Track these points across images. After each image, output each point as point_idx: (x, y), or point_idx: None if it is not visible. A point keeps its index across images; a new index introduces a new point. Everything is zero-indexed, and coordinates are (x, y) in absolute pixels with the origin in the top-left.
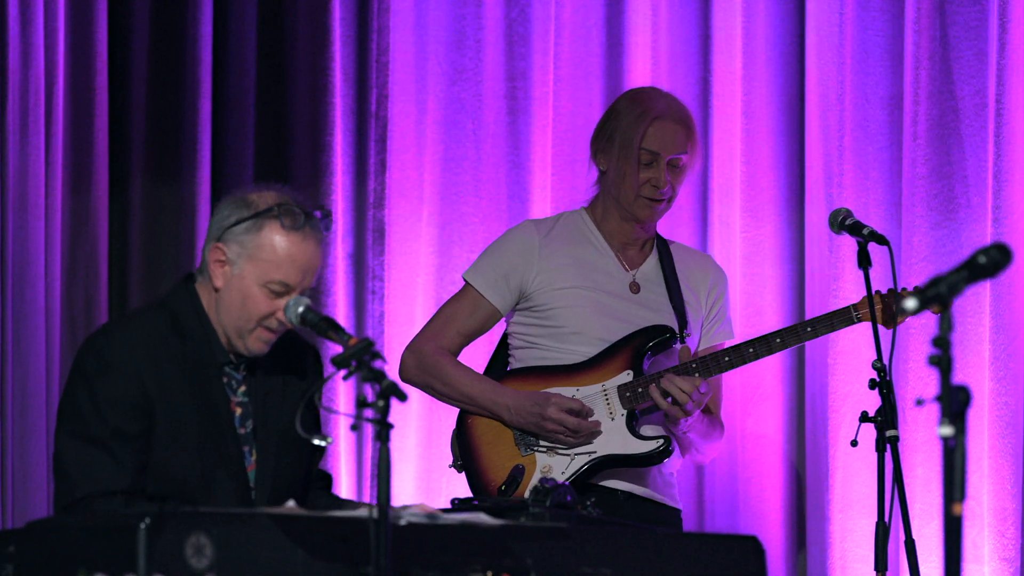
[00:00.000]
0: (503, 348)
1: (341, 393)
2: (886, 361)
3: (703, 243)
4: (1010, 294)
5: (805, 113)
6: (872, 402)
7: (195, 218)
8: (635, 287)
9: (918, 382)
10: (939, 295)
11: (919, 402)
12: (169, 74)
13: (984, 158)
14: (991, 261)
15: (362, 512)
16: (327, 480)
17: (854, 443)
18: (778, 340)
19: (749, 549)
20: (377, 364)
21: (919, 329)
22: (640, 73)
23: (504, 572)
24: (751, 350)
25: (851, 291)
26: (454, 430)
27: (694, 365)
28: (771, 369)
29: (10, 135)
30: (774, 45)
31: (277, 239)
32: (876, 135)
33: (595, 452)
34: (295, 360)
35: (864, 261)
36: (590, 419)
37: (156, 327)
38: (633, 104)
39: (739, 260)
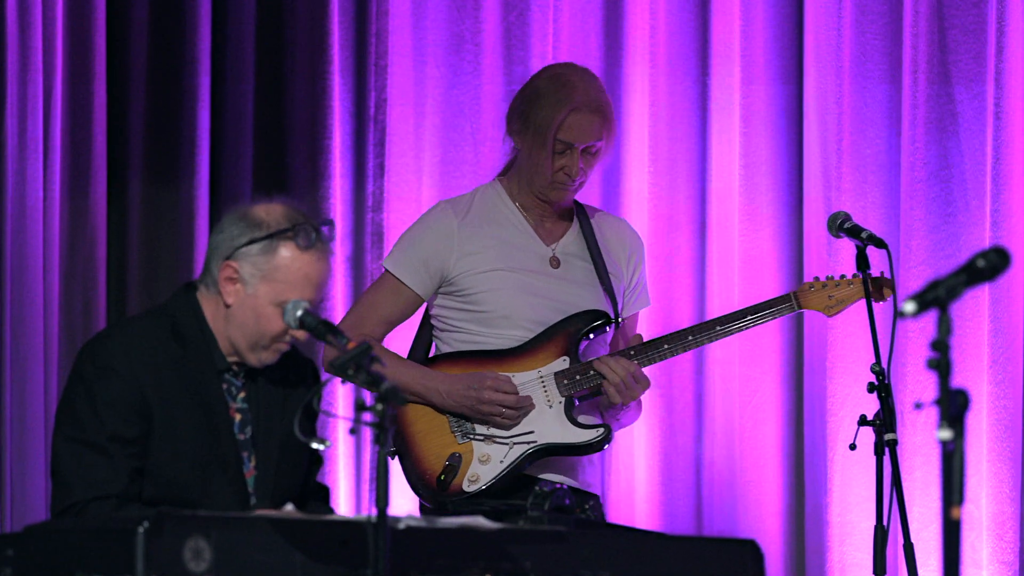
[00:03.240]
0: (425, 331)
1: (340, 397)
2: (884, 365)
3: (701, 247)
4: (1008, 298)
5: (803, 116)
6: (871, 405)
7: (193, 221)
8: (555, 262)
9: (916, 386)
10: (937, 298)
11: (918, 406)
12: (168, 77)
13: (982, 161)
14: (990, 265)
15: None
16: (325, 492)
17: (852, 447)
18: (718, 327)
19: (748, 553)
20: (375, 368)
21: (917, 333)
22: (638, 76)
23: (502, 575)
24: (691, 337)
25: None
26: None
27: (632, 352)
28: (769, 372)
29: (8, 138)
30: (772, 48)
31: (293, 260)
32: (874, 138)
33: (534, 441)
34: (294, 370)
35: (863, 264)
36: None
37: (155, 332)
38: (552, 88)
39: (737, 263)
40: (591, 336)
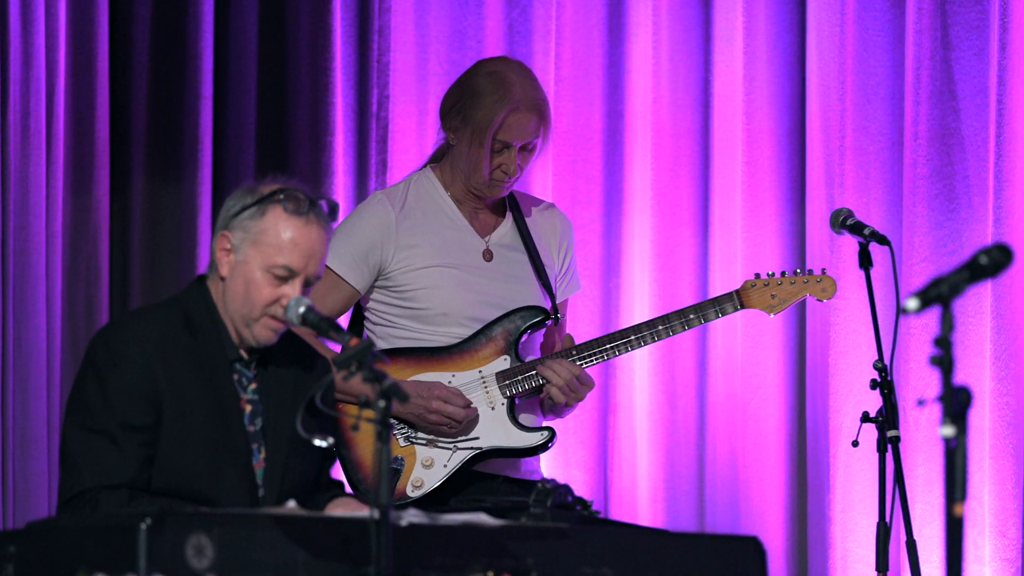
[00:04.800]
0: (357, 325)
1: None
2: (887, 361)
3: (703, 243)
4: (1011, 294)
5: (806, 113)
6: (873, 402)
7: (196, 218)
8: (488, 255)
9: (919, 382)
10: (940, 295)
11: (920, 402)
12: (170, 74)
13: (985, 158)
14: (992, 261)
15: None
16: (339, 488)
17: (855, 443)
18: (661, 326)
19: (750, 549)
20: (377, 365)
21: (920, 329)
22: (640, 73)
23: (505, 572)
24: (633, 336)
25: (852, 291)
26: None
27: (574, 351)
28: (772, 369)
29: (11, 135)
30: (775, 45)
31: (280, 223)
32: (877, 135)
33: (479, 446)
34: (306, 364)
35: (865, 261)
36: (470, 407)
37: (167, 321)
38: (491, 87)
39: (740, 260)
40: (530, 332)
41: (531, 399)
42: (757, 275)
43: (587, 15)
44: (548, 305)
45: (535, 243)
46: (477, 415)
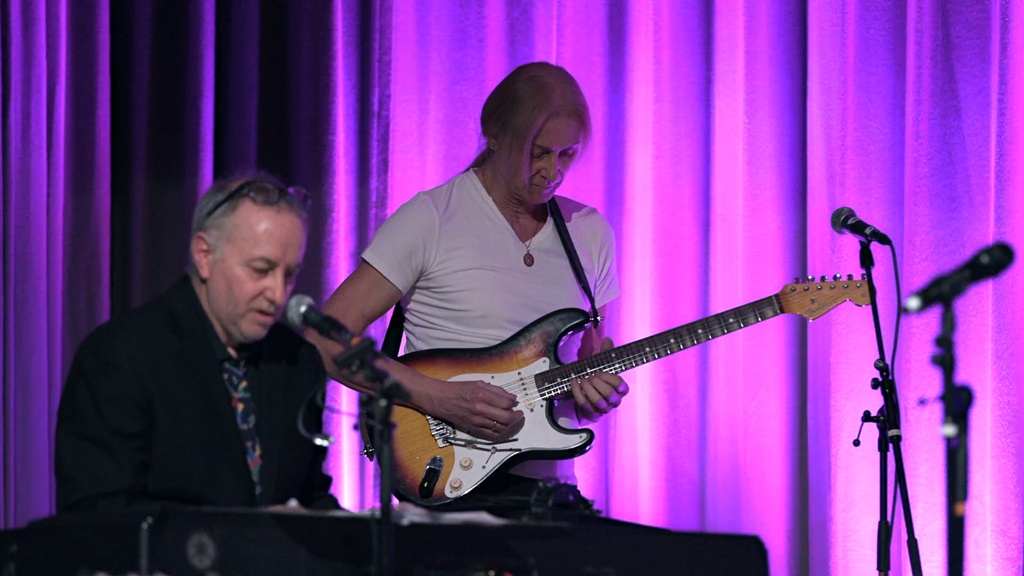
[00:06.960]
0: (396, 326)
1: (343, 392)
2: (888, 360)
3: (705, 242)
4: (1012, 293)
5: (807, 112)
6: (874, 401)
7: None
8: (528, 259)
9: (920, 381)
10: (942, 294)
11: (922, 402)
12: (171, 73)
13: (986, 157)
14: (994, 261)
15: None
16: (327, 481)
17: (856, 442)
18: (700, 330)
19: (751, 549)
20: (378, 364)
21: (921, 328)
22: (642, 71)
23: (506, 571)
24: (672, 340)
25: None
26: (360, 413)
27: (614, 355)
28: (773, 368)
29: (12, 134)
30: (776, 44)
31: (252, 215)
32: (878, 134)
33: (518, 447)
34: (295, 356)
35: (866, 260)
36: (515, 410)
37: (155, 325)
38: (531, 92)
39: (741, 259)
40: (569, 334)
41: (570, 401)
42: (797, 279)
43: (588, 14)
44: (588, 308)
45: (575, 248)
46: (522, 417)
